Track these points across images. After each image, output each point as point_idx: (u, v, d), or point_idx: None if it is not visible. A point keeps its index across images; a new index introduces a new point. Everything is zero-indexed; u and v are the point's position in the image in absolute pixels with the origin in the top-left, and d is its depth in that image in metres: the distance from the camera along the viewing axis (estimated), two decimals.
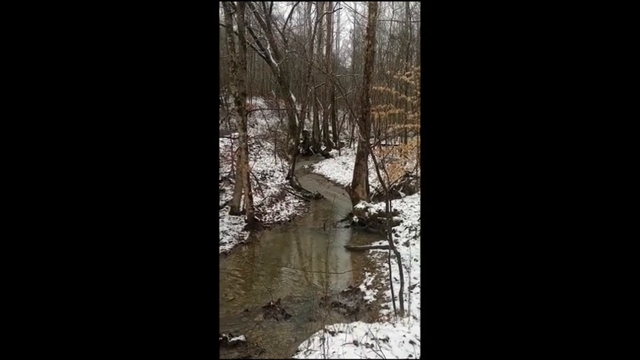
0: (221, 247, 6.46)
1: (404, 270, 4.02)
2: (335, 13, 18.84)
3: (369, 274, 5.53)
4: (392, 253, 4.29)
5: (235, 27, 7.68)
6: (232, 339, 3.78)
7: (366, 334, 3.15)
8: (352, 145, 18.28)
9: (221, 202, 8.37)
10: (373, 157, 5.42)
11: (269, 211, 8.64)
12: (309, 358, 3.09)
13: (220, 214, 7.85)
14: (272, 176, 11.58)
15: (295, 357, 3.29)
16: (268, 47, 14.00)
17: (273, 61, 13.91)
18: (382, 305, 4.54)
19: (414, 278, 4.92)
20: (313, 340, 3.36)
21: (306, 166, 15.09)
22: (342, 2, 17.14)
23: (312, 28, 17.25)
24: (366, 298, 4.80)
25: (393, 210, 7.17)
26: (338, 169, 14.23)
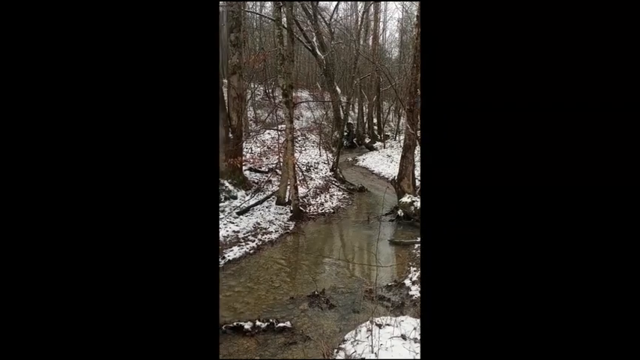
0: (267, 236, 6.67)
1: None
2: (382, 2, 18.37)
3: (415, 269, 5.41)
4: None
5: (284, 20, 7.76)
6: (279, 324, 3.90)
7: (414, 328, 3.10)
8: (397, 138, 17.87)
9: (268, 193, 8.62)
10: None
11: (313, 202, 8.73)
12: (337, 358, 3.11)
13: (267, 204, 8.08)
14: (316, 168, 11.67)
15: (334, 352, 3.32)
16: (314, 39, 14.00)
17: (319, 53, 13.89)
18: None
19: None
20: (360, 331, 3.37)
21: (350, 159, 15.01)
22: None
23: (359, 19, 16.98)
24: (411, 293, 4.70)
25: None
26: (382, 161, 14.00)
